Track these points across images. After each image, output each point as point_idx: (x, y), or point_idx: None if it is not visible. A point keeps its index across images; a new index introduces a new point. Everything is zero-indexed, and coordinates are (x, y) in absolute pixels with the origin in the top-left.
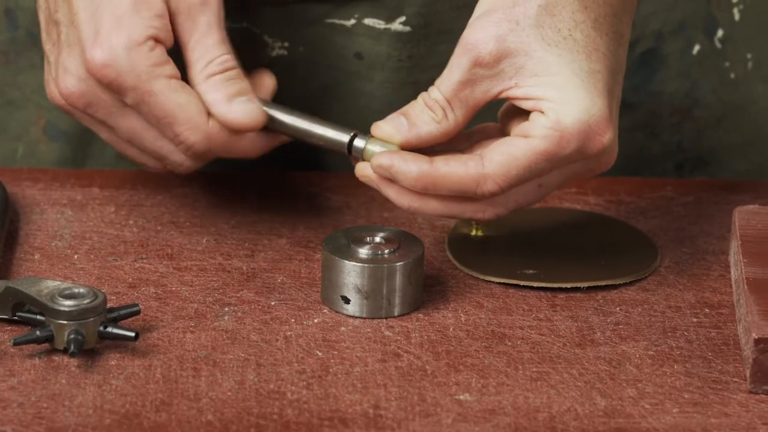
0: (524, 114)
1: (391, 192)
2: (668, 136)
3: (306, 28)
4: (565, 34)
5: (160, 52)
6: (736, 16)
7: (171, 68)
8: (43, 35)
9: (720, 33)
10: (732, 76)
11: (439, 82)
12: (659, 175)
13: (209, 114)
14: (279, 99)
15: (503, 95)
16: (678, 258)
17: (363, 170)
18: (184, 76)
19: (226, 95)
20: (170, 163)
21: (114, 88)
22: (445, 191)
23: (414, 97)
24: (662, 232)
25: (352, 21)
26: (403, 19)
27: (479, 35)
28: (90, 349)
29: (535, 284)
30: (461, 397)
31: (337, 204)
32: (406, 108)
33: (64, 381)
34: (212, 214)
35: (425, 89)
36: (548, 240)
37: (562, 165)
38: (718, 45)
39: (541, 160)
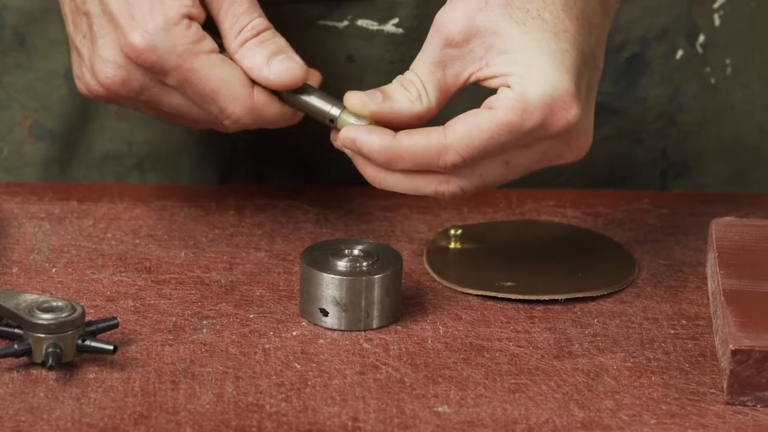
0: (494, 92)
1: (359, 163)
2: (653, 143)
3: (299, 30)
4: (534, 14)
5: (196, 29)
6: (717, 22)
7: (209, 43)
8: (70, 28)
9: (701, 38)
10: (712, 81)
11: (414, 64)
12: (644, 181)
13: (253, 84)
14: None
15: (474, 78)
16: (655, 270)
17: (336, 139)
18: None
19: (264, 57)
20: (221, 127)
21: (156, 70)
22: (408, 164)
23: None
24: (639, 244)
25: (345, 23)
26: (396, 20)
27: (449, 15)
28: (68, 362)
29: (513, 296)
30: (440, 409)
31: (315, 217)
32: (385, 85)
33: (42, 394)
34: (190, 228)
35: None
36: (526, 252)
37: (528, 141)
38: (700, 50)
39: (503, 131)
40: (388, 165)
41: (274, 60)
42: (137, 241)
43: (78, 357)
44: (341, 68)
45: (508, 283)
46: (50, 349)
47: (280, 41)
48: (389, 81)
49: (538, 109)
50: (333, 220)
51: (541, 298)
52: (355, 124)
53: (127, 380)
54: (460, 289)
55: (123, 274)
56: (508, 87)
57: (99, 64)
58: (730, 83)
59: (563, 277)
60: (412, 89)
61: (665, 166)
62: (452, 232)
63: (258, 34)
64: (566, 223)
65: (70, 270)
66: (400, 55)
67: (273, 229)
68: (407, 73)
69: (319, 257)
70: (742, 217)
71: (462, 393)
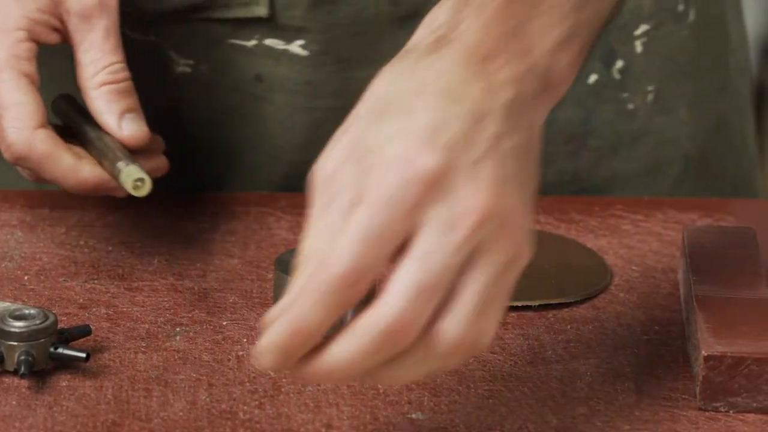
0: None
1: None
2: (564, 164)
3: (209, 47)
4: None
5: (27, 47)
6: (638, 49)
7: (29, 67)
8: None
9: (619, 64)
10: (630, 106)
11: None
12: None
13: (41, 126)
14: (183, 117)
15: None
16: (628, 276)
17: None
18: (72, 77)
19: (118, 108)
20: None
21: None
22: (316, 315)
23: (311, 123)
24: (612, 250)
25: (253, 42)
26: (301, 42)
27: (322, 164)
28: (41, 370)
29: None
30: (413, 415)
31: (289, 224)
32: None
33: (14, 402)
34: (163, 235)
35: (322, 116)
36: None
37: (406, 212)
38: (617, 76)
39: (374, 211)
40: (302, 334)
41: (126, 116)
42: (110, 248)
43: (50, 365)
44: (251, 87)
45: None
46: (22, 357)
47: (134, 99)
48: (296, 105)
49: (390, 170)
50: (306, 227)
51: (515, 304)
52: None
53: (100, 388)
54: None
55: (96, 281)
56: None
57: None
58: (652, 110)
59: (536, 283)
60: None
61: (577, 189)
62: None
63: (118, 81)
64: (539, 229)
65: (42, 278)
66: (305, 78)
67: (246, 236)
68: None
69: (293, 264)
70: (714, 224)
71: (436, 399)
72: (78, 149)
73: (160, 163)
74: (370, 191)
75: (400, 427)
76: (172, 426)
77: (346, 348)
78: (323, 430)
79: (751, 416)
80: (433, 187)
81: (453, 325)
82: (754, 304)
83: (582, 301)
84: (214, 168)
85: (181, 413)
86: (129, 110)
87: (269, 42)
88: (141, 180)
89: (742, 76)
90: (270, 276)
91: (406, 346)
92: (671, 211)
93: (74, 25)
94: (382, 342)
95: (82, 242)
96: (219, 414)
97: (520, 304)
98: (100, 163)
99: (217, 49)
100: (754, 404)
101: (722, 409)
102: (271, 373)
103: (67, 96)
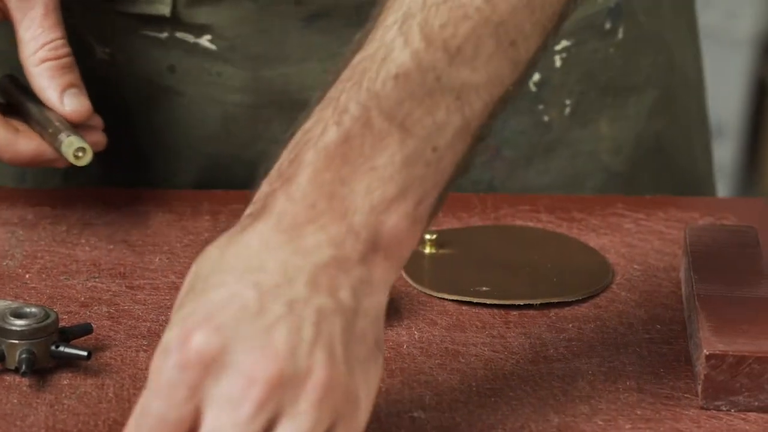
0: None
1: None
2: (479, 175)
3: (124, 37)
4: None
5: None
6: (557, 63)
7: None
8: None
9: (536, 77)
10: (546, 119)
11: None
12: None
13: None
14: (100, 106)
15: None
16: (629, 275)
17: None
18: (17, 53)
19: (60, 84)
20: None
21: None
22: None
23: (222, 116)
24: (614, 249)
25: (165, 33)
26: (209, 37)
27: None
28: (42, 368)
29: (489, 301)
30: (415, 414)
31: None
32: None
33: (15, 401)
34: (165, 233)
35: (232, 111)
36: (501, 257)
37: (183, 396)
38: (533, 88)
39: (150, 399)
40: None
41: (68, 91)
42: (111, 246)
43: (51, 363)
44: (164, 78)
45: (484, 288)
46: (24, 356)
47: (76, 74)
48: (207, 97)
49: (159, 356)
50: None
51: (517, 303)
52: None
53: (102, 386)
54: (435, 294)
55: (97, 279)
56: None
57: None
58: (570, 122)
59: (538, 282)
60: None
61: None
62: (427, 236)
63: (60, 57)
64: (541, 228)
65: (43, 276)
66: (217, 71)
67: None
68: None
69: None
70: (716, 223)
71: (437, 398)
72: (17, 123)
73: (99, 138)
74: (150, 378)
75: (401, 425)
76: None
77: None
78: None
79: (752, 415)
80: (210, 365)
81: None
82: (755, 302)
83: (584, 300)
84: (133, 153)
85: None
86: (71, 86)
87: (180, 35)
88: (82, 150)
89: (691, 93)
90: None
91: None
92: (673, 209)
93: (14, 3)
94: None
95: (83, 240)
96: None
97: (522, 302)
98: (42, 137)
99: (131, 40)
100: (756, 403)
101: (724, 408)
102: None
103: (9, 76)
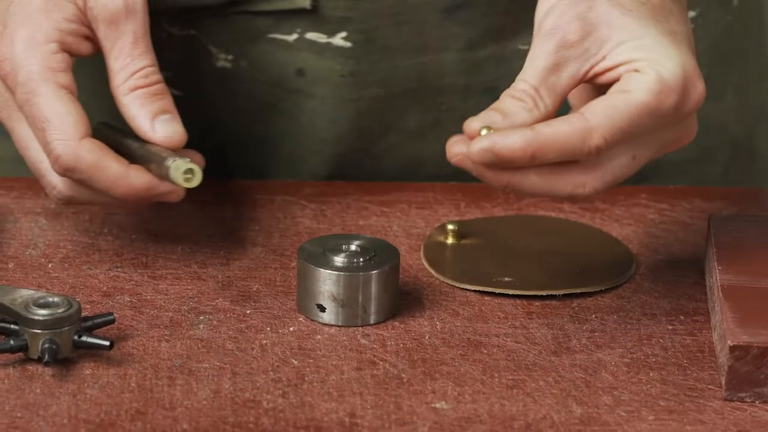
0: (608, 86)
1: (488, 174)
2: None
3: (249, 43)
4: (643, 0)
5: (61, 59)
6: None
7: (66, 78)
8: None
9: None
10: None
11: (522, 73)
12: None
13: (85, 135)
14: (221, 113)
15: (592, 72)
16: (653, 265)
17: (455, 155)
18: (106, 84)
19: (150, 111)
20: (47, 183)
21: (9, 84)
22: (552, 154)
23: (355, 113)
24: (637, 239)
25: (294, 36)
26: (344, 34)
27: (559, 20)
28: (64, 358)
29: (511, 292)
30: (437, 405)
31: (313, 212)
32: (495, 104)
33: (38, 390)
34: (187, 223)
35: (367, 106)
36: (523, 247)
37: (659, 125)
38: None
39: (643, 113)
40: (533, 160)
41: (159, 118)
42: (134, 236)
43: (74, 353)
44: (292, 82)
45: (506, 279)
46: (46, 345)
47: (168, 100)
48: (340, 94)
49: (674, 89)
50: (330, 216)
51: (539, 293)
52: (485, 134)
53: (124, 376)
54: (457, 284)
55: (119, 269)
56: (637, 71)
57: None
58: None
59: (561, 272)
60: (527, 98)
61: None
62: (450, 227)
63: (149, 85)
64: (564, 218)
65: (66, 265)
66: (350, 69)
67: (270, 224)
68: (516, 84)
69: (316, 253)
70: (740, 213)
71: (459, 389)
72: (123, 159)
73: (197, 159)
74: (649, 94)
75: (423, 416)
76: (196, 414)
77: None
78: (347, 419)
79: None
80: (689, 114)
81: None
82: None
83: (607, 291)
84: (254, 162)
85: (204, 402)
86: (162, 112)
87: (311, 36)
88: (190, 171)
89: None
90: (293, 264)
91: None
92: (696, 200)
93: (102, 33)
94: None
95: (105, 230)
96: (243, 403)
97: (544, 293)
98: (148, 169)
99: (257, 45)
100: None
101: (748, 400)
102: (294, 362)
103: (104, 123)
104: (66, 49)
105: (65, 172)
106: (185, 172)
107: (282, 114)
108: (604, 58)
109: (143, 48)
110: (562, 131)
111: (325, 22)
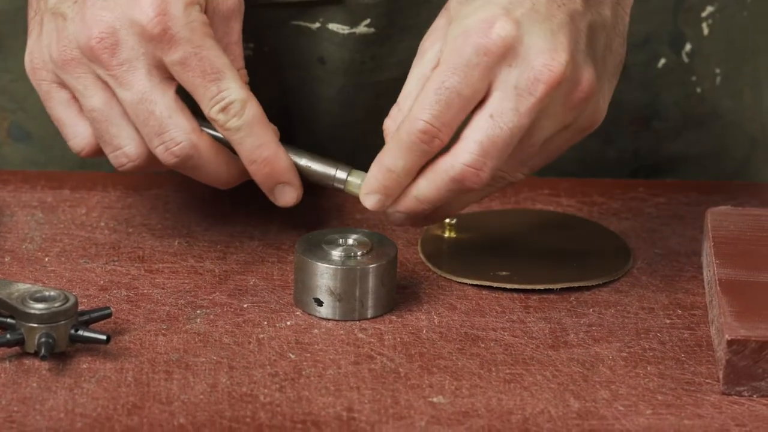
0: None
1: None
2: (624, 144)
3: (272, 29)
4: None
5: (206, 18)
6: (705, 31)
7: (214, 35)
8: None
9: (688, 47)
10: (698, 90)
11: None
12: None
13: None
14: None
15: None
16: (651, 259)
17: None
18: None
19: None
20: (169, 138)
21: (165, 40)
22: (401, 161)
23: (373, 96)
24: (635, 233)
25: (318, 24)
26: (368, 21)
27: (425, 36)
28: (61, 352)
29: (508, 286)
30: (434, 399)
31: (310, 206)
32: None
33: (35, 384)
34: (184, 217)
35: (384, 88)
36: (521, 241)
37: (479, 77)
38: (686, 59)
39: (447, 75)
40: (393, 173)
41: None
42: (130, 230)
43: (71, 347)
44: (313, 69)
45: (503, 273)
46: (43, 339)
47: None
48: (359, 81)
49: (464, 40)
50: (327, 210)
51: (537, 287)
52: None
53: (121, 370)
54: (454, 278)
55: (116, 263)
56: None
57: (91, 21)
58: (719, 92)
59: (558, 266)
60: (387, 122)
61: (636, 167)
62: (447, 221)
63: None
64: (561, 211)
65: (62, 259)
66: (371, 54)
67: (267, 218)
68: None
69: (314, 247)
70: (737, 207)
71: (457, 383)
72: None
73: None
74: (447, 57)
75: (421, 410)
76: (193, 408)
77: (426, 186)
78: (344, 413)
79: None
80: (506, 54)
81: (519, 173)
82: None
83: (604, 285)
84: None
85: (201, 396)
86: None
87: (333, 26)
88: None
89: None
90: (291, 258)
91: (474, 187)
92: (694, 194)
93: (216, 25)
94: (453, 183)
95: (102, 224)
96: (239, 397)
97: (542, 287)
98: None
99: (281, 31)
100: None
101: (746, 394)
102: (292, 356)
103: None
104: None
105: (239, 112)
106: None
107: (301, 99)
108: (441, 50)
109: (241, 50)
110: (394, 136)
111: (350, 12)
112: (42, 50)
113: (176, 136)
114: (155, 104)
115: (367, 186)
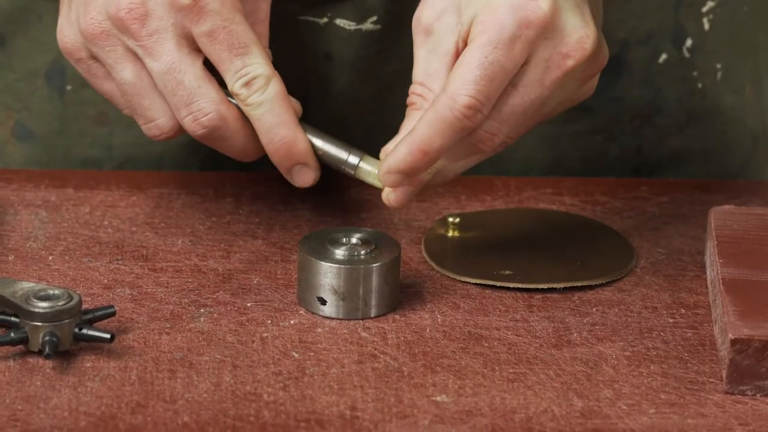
0: None
1: (413, 184)
2: (627, 140)
3: (280, 24)
4: None
5: None
6: (706, 26)
7: (244, 10)
8: None
9: (689, 43)
10: (699, 85)
11: (413, 80)
12: (617, 176)
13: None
14: None
15: (461, 43)
16: (654, 258)
17: (387, 199)
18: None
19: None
20: (197, 109)
21: (195, 10)
22: (438, 138)
23: (379, 90)
24: (638, 232)
25: (325, 19)
26: (374, 18)
27: (418, 12)
28: (65, 350)
29: (512, 285)
30: (438, 398)
31: (314, 205)
32: (402, 126)
33: (39, 383)
34: (187, 215)
35: (390, 80)
36: (524, 240)
37: (519, 50)
38: (687, 54)
39: (489, 51)
40: (428, 154)
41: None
42: (134, 228)
43: (75, 345)
44: (319, 64)
45: (507, 272)
46: (47, 338)
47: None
48: (365, 79)
49: (506, 13)
50: (331, 209)
51: (540, 286)
52: (382, 161)
53: (124, 369)
54: (458, 277)
55: (120, 262)
56: (479, 23)
57: None
58: (721, 88)
59: (562, 265)
60: (416, 99)
61: (638, 163)
62: (450, 220)
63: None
64: (565, 211)
65: (66, 258)
66: (376, 49)
67: (270, 217)
68: (410, 91)
69: (317, 246)
70: (741, 206)
71: (460, 382)
72: None
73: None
74: (487, 31)
75: (424, 409)
76: (197, 407)
77: (435, 138)
78: (348, 412)
79: None
80: (546, 28)
81: (517, 137)
82: None
83: (607, 284)
84: None
85: (205, 395)
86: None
87: (340, 22)
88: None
89: None
90: (294, 257)
91: (485, 150)
92: (697, 192)
93: (245, 1)
94: (467, 146)
95: (106, 222)
96: (243, 395)
97: (545, 286)
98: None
99: (288, 26)
100: None
101: (749, 393)
102: (295, 355)
103: None
104: None
105: (261, 87)
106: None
107: (306, 96)
108: (460, 23)
109: (266, 29)
110: (428, 115)
111: (357, 9)
112: (72, 25)
113: (204, 106)
114: (184, 74)
115: (391, 165)
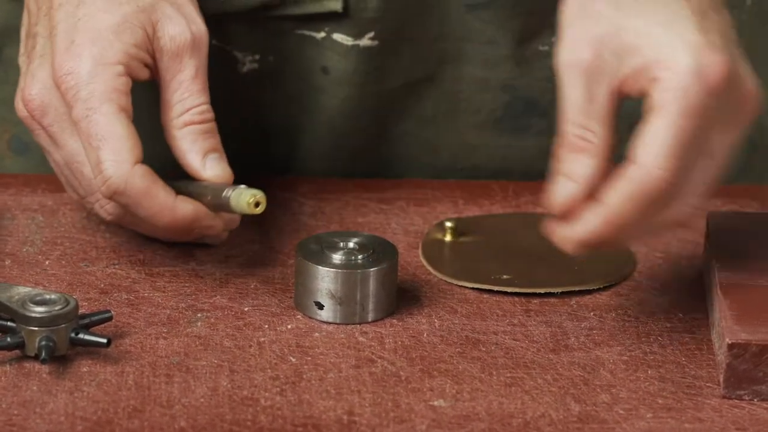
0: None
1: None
2: (627, 146)
3: (277, 39)
4: None
5: (125, 81)
6: None
7: (126, 102)
8: (21, 49)
9: None
10: None
11: (565, 116)
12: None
13: (138, 161)
14: (248, 110)
15: (624, 83)
16: (651, 263)
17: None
18: (157, 115)
19: (202, 148)
20: (96, 201)
21: (68, 99)
22: (633, 210)
23: (377, 106)
24: None
25: (322, 34)
26: (371, 34)
27: (570, 47)
28: (61, 355)
29: (509, 289)
30: (435, 403)
31: (311, 209)
32: (560, 168)
33: (35, 388)
34: None
35: (388, 96)
36: (522, 245)
37: (706, 117)
38: None
39: (682, 120)
40: (621, 227)
41: (209, 157)
42: (131, 233)
43: (71, 350)
44: (316, 78)
45: (504, 276)
46: (43, 343)
47: (218, 140)
48: (362, 93)
49: (694, 78)
50: (328, 213)
51: (538, 291)
52: (568, 230)
53: (121, 373)
54: (455, 282)
55: (117, 266)
56: (656, 80)
57: (29, 81)
58: None
59: (559, 270)
60: (581, 143)
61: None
62: (448, 224)
63: (203, 122)
64: None
65: (63, 262)
66: (374, 65)
67: (268, 221)
68: (566, 130)
69: (315, 250)
70: (738, 210)
71: (458, 387)
72: (172, 190)
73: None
74: (672, 101)
75: (422, 414)
76: (194, 412)
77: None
78: (345, 417)
79: None
80: (725, 88)
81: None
82: None
83: (605, 288)
84: (276, 154)
85: (202, 399)
86: (212, 150)
87: (337, 36)
88: (254, 197)
89: None
90: (292, 262)
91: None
92: None
93: (165, 64)
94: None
95: (103, 227)
96: (240, 400)
97: (543, 291)
98: (202, 201)
99: (285, 40)
100: None
101: (746, 397)
102: (292, 359)
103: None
104: (129, 73)
105: (113, 194)
106: (250, 196)
107: (304, 110)
108: (623, 64)
109: (201, 84)
110: (625, 190)
111: (354, 24)
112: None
113: (108, 167)
114: (83, 165)
115: (582, 237)
